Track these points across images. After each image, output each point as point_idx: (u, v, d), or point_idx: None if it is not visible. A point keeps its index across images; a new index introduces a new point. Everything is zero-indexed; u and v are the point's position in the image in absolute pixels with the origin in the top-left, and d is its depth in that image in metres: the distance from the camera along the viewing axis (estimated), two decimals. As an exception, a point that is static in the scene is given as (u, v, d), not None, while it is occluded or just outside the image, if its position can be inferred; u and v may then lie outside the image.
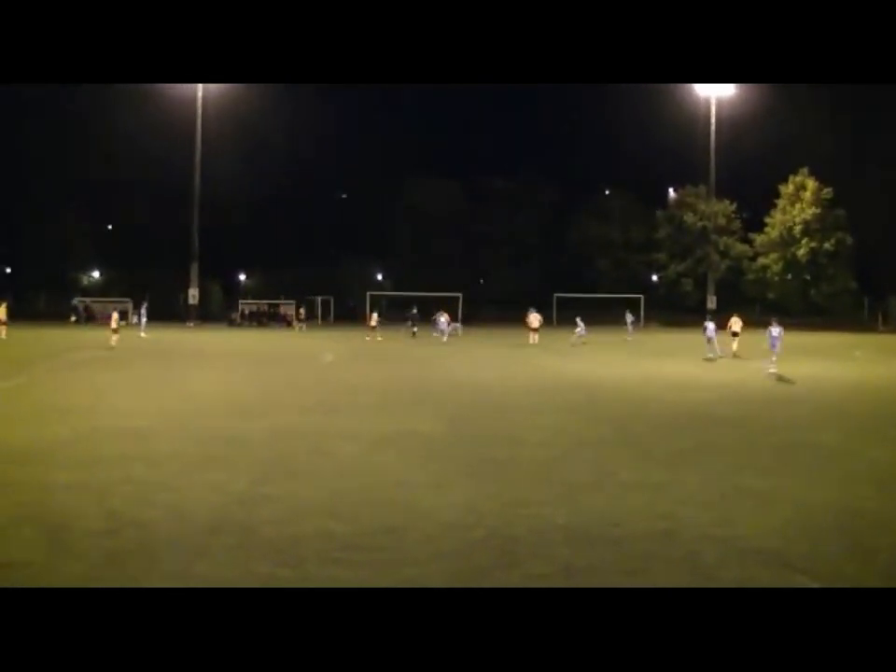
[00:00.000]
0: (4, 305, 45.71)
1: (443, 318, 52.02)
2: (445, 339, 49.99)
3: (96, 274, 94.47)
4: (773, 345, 29.32)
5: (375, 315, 53.40)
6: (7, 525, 9.39)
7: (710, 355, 36.34)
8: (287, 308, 77.95)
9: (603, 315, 71.18)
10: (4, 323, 44.12)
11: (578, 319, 49.06)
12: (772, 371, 28.53)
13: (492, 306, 72.82)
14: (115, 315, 41.87)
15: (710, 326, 37.94)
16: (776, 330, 29.39)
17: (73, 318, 70.48)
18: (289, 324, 73.74)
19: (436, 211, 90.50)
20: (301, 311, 67.29)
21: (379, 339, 49.50)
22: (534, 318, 46.99)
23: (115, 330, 40.50)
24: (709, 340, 37.28)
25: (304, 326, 64.82)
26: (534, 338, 45.91)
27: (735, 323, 39.73)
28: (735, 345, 38.61)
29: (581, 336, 47.53)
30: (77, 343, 42.17)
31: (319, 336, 54.67)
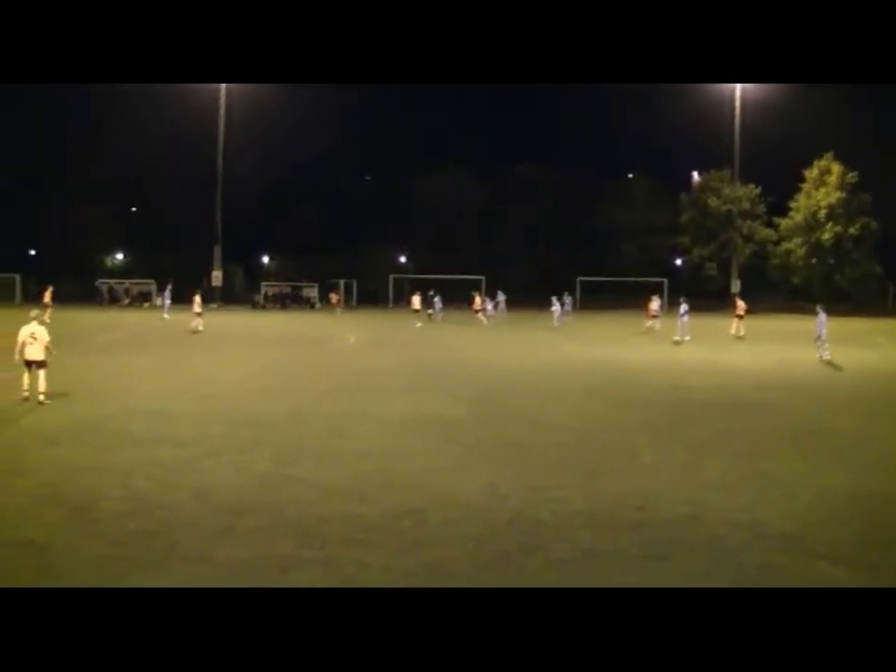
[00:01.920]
0: (50, 289, 46.13)
1: (437, 298, 51.61)
2: (439, 318, 50.13)
3: (120, 256, 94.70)
4: (820, 332, 28.68)
5: (417, 299, 51.00)
6: (30, 505, 9.47)
7: (677, 337, 36.57)
8: (310, 291, 77.92)
9: (628, 301, 70.85)
10: (48, 306, 44.06)
11: (554, 298, 48.74)
12: (825, 356, 28.23)
13: (516, 291, 72.33)
14: (197, 299, 40.68)
15: (684, 307, 38.31)
16: (824, 316, 28.83)
17: (126, 301, 71.41)
18: (312, 306, 73.65)
19: (459, 195, 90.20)
20: (335, 294, 66.49)
21: (419, 324, 46.92)
22: (655, 303, 45.18)
23: (198, 314, 39.97)
24: (682, 323, 37.56)
25: (341, 310, 64.11)
26: (654, 324, 43.52)
27: (740, 308, 40.77)
28: (738, 328, 39.57)
29: (562, 317, 47.22)
30: (108, 325, 42.32)
31: (341, 319, 54.65)
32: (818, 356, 28.30)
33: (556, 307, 47.85)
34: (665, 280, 76.19)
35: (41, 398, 16.31)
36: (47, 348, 16.51)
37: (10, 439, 13.23)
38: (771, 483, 11.05)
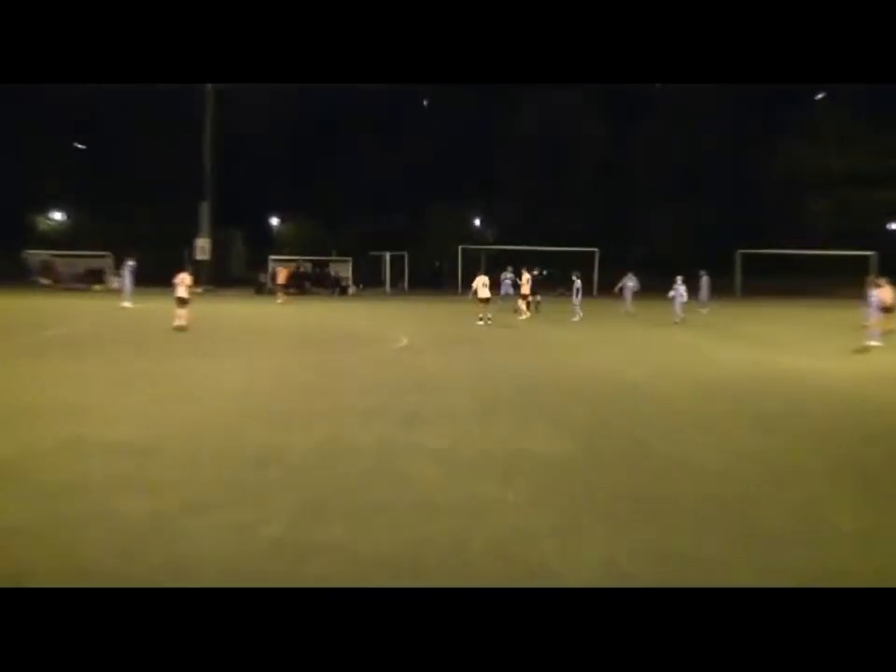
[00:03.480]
0: None
1: (509, 278, 50.98)
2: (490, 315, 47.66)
3: (59, 216, 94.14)
4: None
5: (482, 280, 47.71)
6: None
7: (872, 342, 35.51)
8: (341, 268, 78.25)
9: (816, 283, 69.97)
10: None
11: (679, 279, 49.06)
12: None
13: (644, 266, 71.54)
14: (185, 279, 38.53)
15: (879, 294, 37.26)
16: None
17: (48, 282, 72.08)
18: (344, 290, 73.97)
19: (561, 131, 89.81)
20: (283, 270, 67.35)
21: (481, 321, 46.36)
22: (887, 293, 39.86)
23: (182, 301, 38.16)
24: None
25: (282, 297, 63.96)
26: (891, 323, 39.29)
27: (887, 294, 39.07)
28: (883, 323, 38.35)
29: (682, 304, 47.22)
30: (42, 315, 42.87)
31: (387, 309, 54.77)
32: None
33: (678, 290, 47.43)
34: (874, 253, 74.65)
35: None
36: None
37: None
38: None
